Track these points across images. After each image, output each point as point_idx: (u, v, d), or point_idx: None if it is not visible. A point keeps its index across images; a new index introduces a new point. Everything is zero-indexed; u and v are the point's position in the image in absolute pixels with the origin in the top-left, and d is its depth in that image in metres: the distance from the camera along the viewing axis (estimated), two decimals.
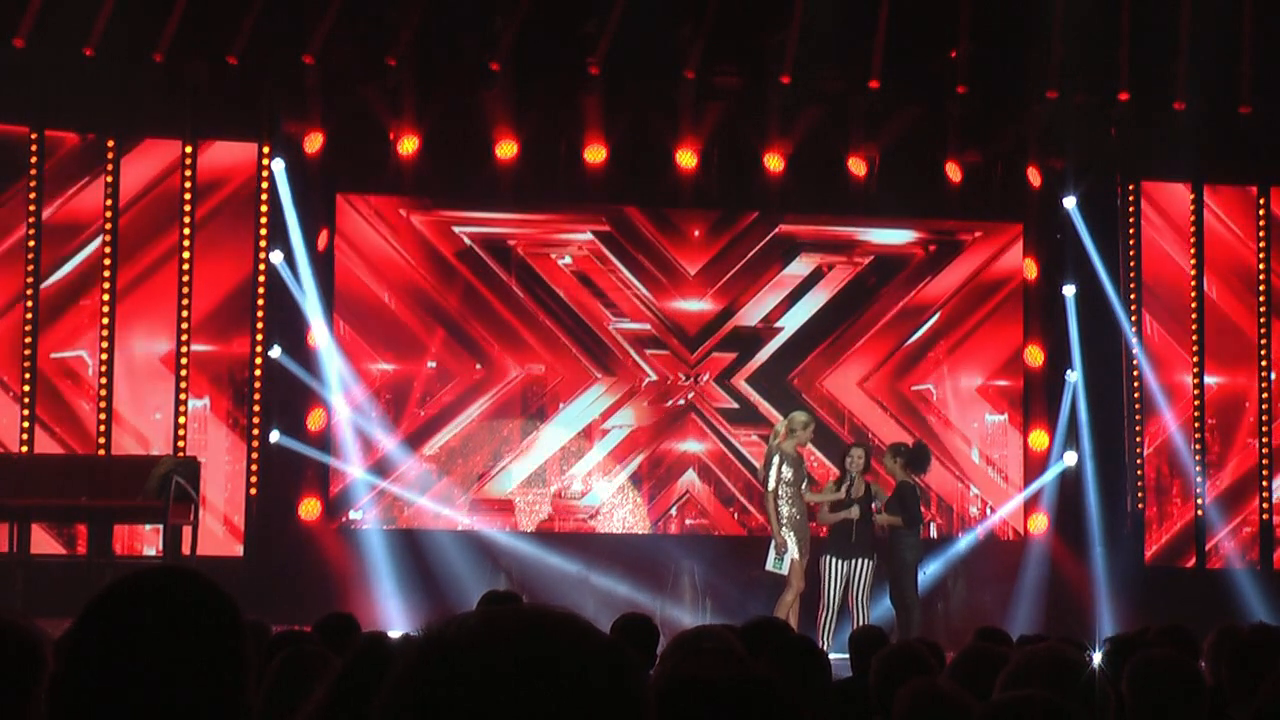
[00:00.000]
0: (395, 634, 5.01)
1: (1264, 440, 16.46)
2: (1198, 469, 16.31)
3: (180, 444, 14.72)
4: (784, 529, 12.94)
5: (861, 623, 12.64)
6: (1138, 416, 16.35)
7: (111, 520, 13.34)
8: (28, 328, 14.57)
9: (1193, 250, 16.58)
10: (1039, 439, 16.19)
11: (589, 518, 15.96)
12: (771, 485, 12.99)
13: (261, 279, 15.10)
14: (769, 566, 13.04)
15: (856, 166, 16.05)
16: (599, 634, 1.65)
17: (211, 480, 14.86)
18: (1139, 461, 16.34)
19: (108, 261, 14.74)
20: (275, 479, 15.11)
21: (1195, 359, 16.48)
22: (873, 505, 13.23)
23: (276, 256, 14.98)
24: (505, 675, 1.59)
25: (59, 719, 2.28)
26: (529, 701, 1.58)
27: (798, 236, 16.33)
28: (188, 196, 14.97)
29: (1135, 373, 16.34)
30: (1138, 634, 7.00)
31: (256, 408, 15.08)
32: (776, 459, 13.01)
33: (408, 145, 15.45)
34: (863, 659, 6.37)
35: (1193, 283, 16.54)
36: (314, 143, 15.27)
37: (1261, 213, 16.73)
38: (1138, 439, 16.34)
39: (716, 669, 2.39)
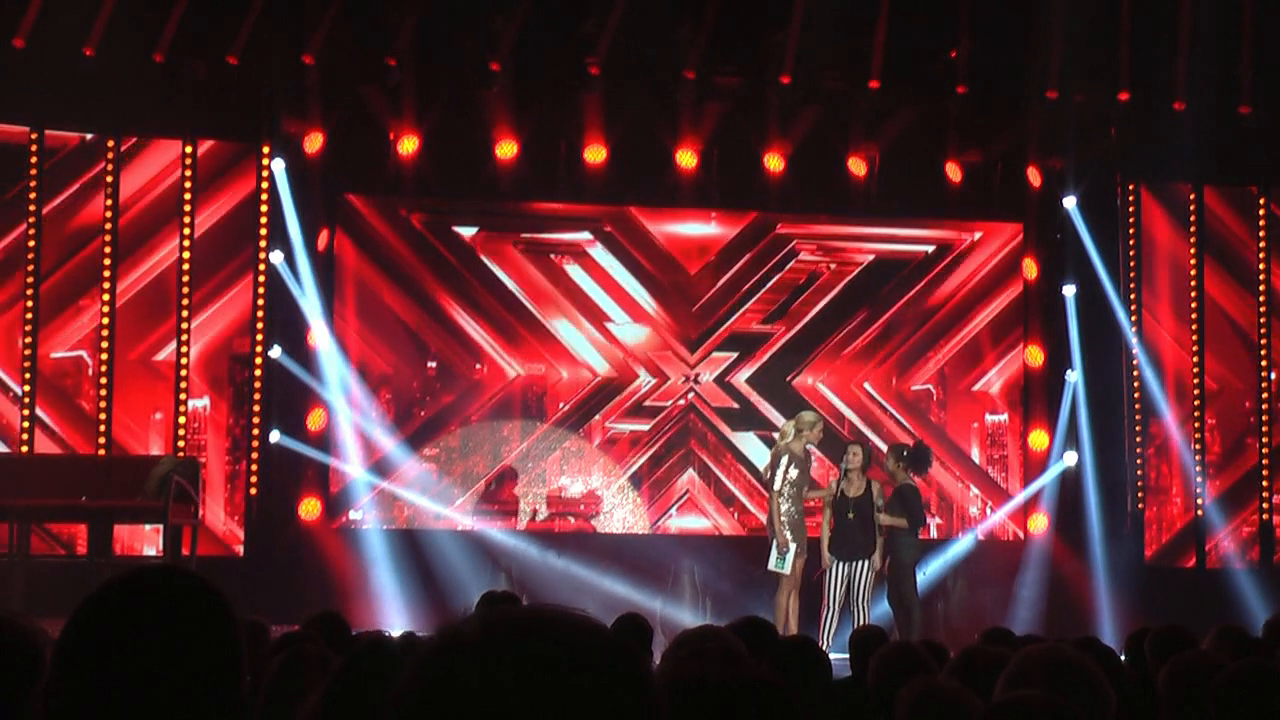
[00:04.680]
0: (395, 634, 5.01)
1: (1264, 440, 16.45)
2: (1198, 469, 16.30)
3: (180, 444, 14.72)
4: (786, 529, 12.92)
5: (863, 623, 12.61)
6: (1138, 416, 16.33)
7: (111, 520, 13.32)
8: (28, 328, 14.56)
9: (1193, 250, 16.57)
10: (1039, 439, 16.18)
11: (589, 518, 15.96)
12: (777, 485, 12.96)
13: (261, 279, 15.10)
14: (771, 566, 13.01)
15: (856, 166, 16.04)
16: (609, 633, 1.65)
17: (211, 480, 14.86)
18: (1139, 461, 16.33)
19: (108, 261, 14.73)
20: (275, 479, 15.10)
21: (1195, 359, 16.48)
22: (875, 504, 13.19)
23: (276, 256, 14.97)
24: (516, 674, 1.58)
25: (54, 718, 2.28)
26: (539, 700, 1.58)
27: (797, 236, 16.32)
28: (188, 196, 14.97)
29: (1135, 373, 16.33)
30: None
31: (256, 408, 15.07)
32: (785, 459, 12.99)
33: (408, 145, 15.44)
34: (863, 659, 6.37)
35: (1193, 283, 16.53)
36: (314, 143, 15.27)
37: (1261, 213, 16.72)
38: (1138, 439, 16.32)
39: (718, 670, 2.38)
